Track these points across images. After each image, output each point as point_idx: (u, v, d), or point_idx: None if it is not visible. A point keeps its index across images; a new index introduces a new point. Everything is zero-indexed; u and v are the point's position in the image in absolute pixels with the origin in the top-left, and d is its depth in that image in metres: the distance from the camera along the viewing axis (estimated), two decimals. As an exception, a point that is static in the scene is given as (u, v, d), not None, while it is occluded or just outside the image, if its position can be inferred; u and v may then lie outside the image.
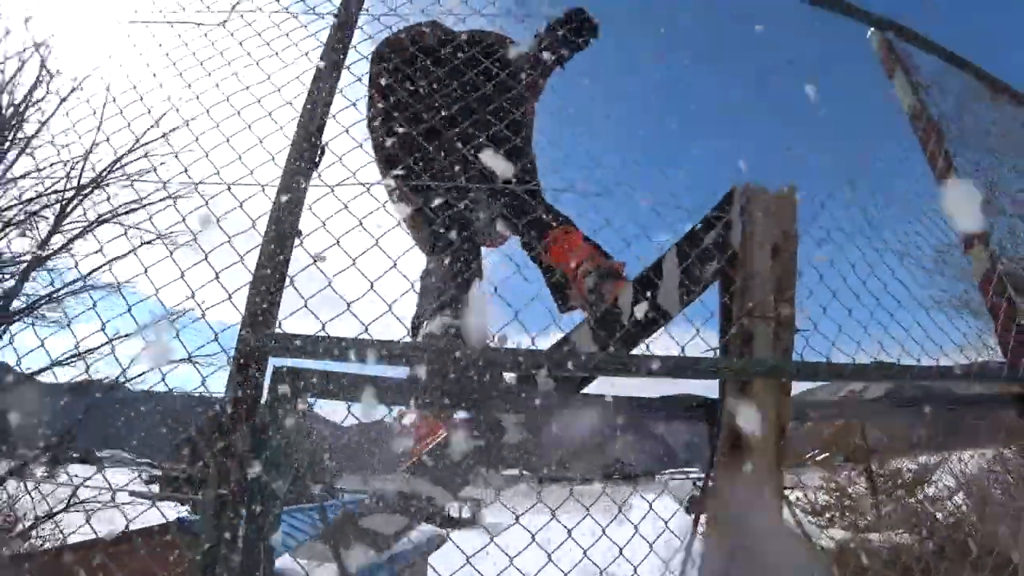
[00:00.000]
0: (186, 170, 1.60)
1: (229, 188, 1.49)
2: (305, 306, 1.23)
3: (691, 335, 1.33)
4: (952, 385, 2.08)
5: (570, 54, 2.16)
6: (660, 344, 1.31)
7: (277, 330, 1.24)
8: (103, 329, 1.52)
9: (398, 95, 1.94)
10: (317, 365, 1.21)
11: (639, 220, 1.45)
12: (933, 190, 2.47)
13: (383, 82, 2.07)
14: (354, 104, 1.66)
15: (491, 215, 2.21)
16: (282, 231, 1.35)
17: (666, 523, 1.62)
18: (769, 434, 1.40)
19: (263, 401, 1.19)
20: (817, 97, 2.66)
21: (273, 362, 1.25)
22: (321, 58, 1.66)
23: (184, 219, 1.52)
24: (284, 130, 1.54)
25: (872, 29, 2.87)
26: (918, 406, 2.03)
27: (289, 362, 1.24)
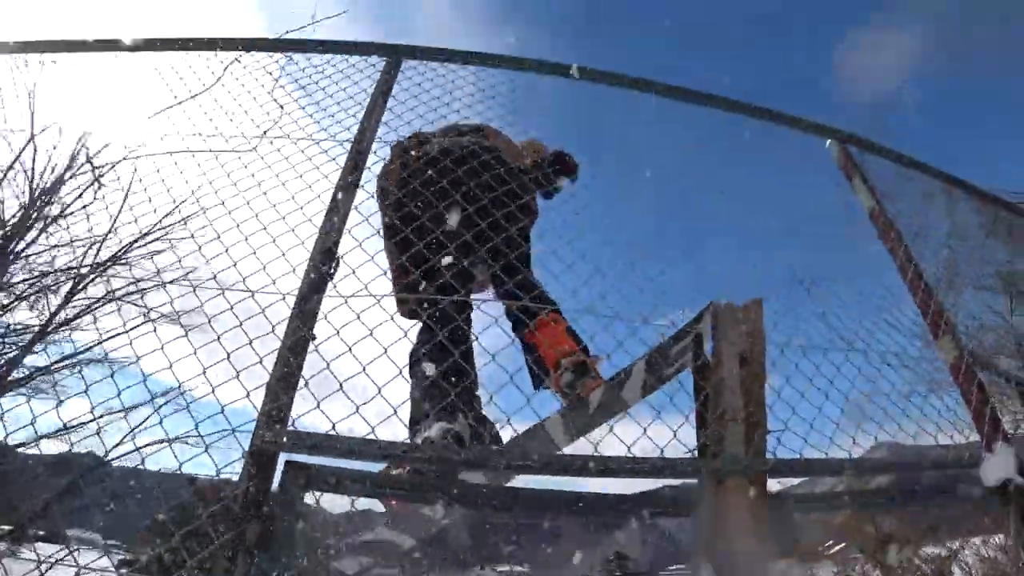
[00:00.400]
0: (215, 276, 1.79)
1: (253, 295, 1.67)
2: (317, 407, 1.37)
3: (669, 438, 1.45)
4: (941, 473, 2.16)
5: (554, 192, 2.44)
6: (640, 446, 1.42)
7: (290, 427, 1.37)
8: (123, 405, 1.65)
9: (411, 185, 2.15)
10: (327, 461, 1.33)
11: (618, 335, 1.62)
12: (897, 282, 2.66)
13: (399, 172, 2.31)
14: (367, 219, 1.89)
15: (483, 278, 2.38)
16: (299, 336, 1.52)
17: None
18: (748, 528, 1.49)
19: (272, 493, 1.30)
20: (783, 204, 2.94)
21: (284, 456, 1.37)
22: (339, 180, 1.91)
23: (210, 321, 1.68)
24: (304, 244, 1.75)
25: (830, 140, 3.21)
26: (912, 496, 2.09)
27: (300, 458, 1.36)
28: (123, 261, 7.13)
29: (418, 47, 2.70)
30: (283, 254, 1.76)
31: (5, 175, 6.80)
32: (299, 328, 1.54)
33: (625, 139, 2.59)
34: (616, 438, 1.37)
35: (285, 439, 1.31)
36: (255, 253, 1.78)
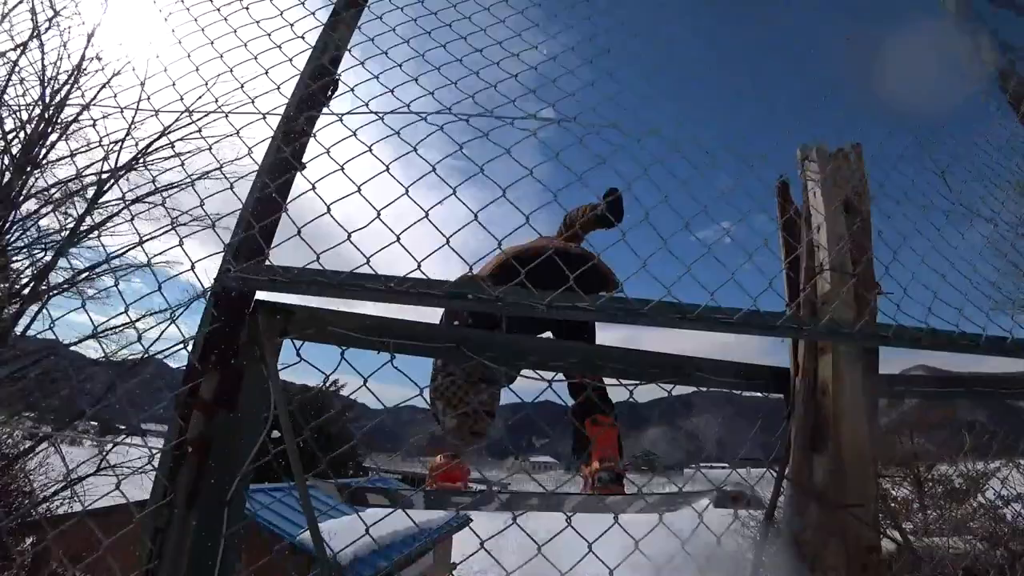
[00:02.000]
0: (182, 98, 1.44)
1: (227, 116, 1.32)
2: (298, 234, 1.05)
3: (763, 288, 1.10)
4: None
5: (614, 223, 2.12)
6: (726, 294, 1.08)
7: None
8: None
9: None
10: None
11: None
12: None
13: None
14: (372, 39, 1.47)
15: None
16: (279, 157, 1.19)
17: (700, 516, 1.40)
18: (859, 409, 1.16)
19: (240, 341, 1.01)
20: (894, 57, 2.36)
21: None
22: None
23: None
24: (294, 61, 1.38)
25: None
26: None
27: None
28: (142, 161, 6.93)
29: None
30: (266, 72, 1.39)
31: (15, 65, 6.47)
32: (280, 148, 1.20)
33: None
34: (693, 279, 1.03)
35: (259, 274, 1.02)
36: (231, 71, 1.42)
